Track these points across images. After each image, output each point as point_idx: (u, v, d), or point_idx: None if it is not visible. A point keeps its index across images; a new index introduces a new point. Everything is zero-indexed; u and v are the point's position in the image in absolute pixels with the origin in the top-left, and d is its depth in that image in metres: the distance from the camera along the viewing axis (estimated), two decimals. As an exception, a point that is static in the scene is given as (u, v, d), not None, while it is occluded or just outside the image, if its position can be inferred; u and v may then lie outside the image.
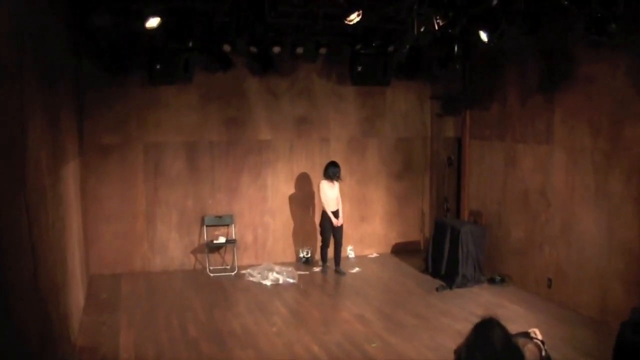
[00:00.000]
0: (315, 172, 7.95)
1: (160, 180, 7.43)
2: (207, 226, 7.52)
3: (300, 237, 8.01)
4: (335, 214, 7.12)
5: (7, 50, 2.72)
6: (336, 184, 7.15)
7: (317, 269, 7.60)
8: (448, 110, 8.12)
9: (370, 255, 8.23)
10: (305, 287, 6.90)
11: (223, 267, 7.59)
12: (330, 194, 7.10)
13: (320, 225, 7.23)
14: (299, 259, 7.91)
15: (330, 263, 7.49)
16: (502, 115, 7.04)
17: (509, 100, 6.93)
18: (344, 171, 7.65)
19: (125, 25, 5.60)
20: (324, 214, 7.12)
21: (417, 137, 8.47)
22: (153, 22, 5.54)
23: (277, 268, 7.21)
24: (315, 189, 7.90)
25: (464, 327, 3.27)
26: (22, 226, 2.86)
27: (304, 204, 8.00)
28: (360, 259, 8.03)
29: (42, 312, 3.32)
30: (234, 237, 7.59)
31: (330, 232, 7.17)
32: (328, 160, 7.59)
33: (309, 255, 7.89)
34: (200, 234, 7.56)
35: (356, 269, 7.57)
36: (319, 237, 7.43)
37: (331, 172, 7.10)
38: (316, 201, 7.62)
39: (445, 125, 8.27)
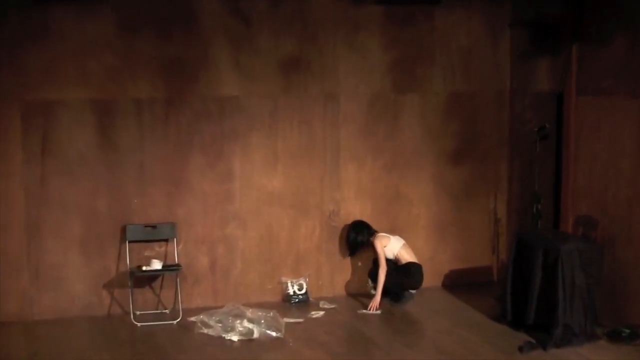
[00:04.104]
0: (316, 152, 7.96)
1: (51, 166, 7.30)
2: (131, 242, 7.46)
3: (290, 260, 8.00)
4: None
5: None
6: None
7: (317, 314, 7.53)
8: (540, 46, 8.05)
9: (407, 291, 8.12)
10: (297, 344, 6.76)
11: (159, 311, 7.59)
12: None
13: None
14: (286, 297, 7.87)
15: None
16: (634, 54, 6.90)
17: (646, 28, 6.85)
18: (362, 148, 7.88)
19: None
20: None
21: (487, 92, 8.44)
22: None
23: (249, 313, 7.08)
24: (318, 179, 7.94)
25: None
26: None
27: (297, 204, 7.98)
28: (391, 297, 8.08)
29: None
30: (176, 260, 7.53)
31: None
32: (335, 131, 7.76)
33: (304, 291, 7.87)
34: (120, 256, 7.49)
35: (378, 311, 7.60)
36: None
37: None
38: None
39: (536, 71, 8.20)
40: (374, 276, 7.77)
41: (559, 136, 7.80)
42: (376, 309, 7.51)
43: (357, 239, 7.82)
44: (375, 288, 7.68)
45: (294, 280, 7.84)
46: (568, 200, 7.66)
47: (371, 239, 7.81)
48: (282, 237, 7.89)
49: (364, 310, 7.50)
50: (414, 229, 8.21)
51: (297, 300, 7.77)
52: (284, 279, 7.85)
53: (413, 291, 7.77)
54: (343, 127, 7.91)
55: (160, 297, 7.61)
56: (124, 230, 7.41)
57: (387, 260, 7.69)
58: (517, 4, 8.20)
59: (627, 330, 6.67)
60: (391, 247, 7.76)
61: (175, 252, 7.51)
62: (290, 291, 7.80)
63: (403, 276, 7.69)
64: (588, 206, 7.46)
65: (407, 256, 7.77)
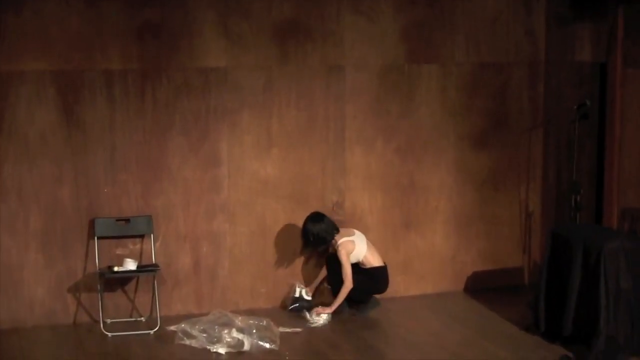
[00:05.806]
0: (317, 133, 7.99)
1: (6, 149, 7.27)
2: (100, 238, 7.45)
3: (286, 260, 8.06)
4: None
5: None
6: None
7: (320, 322, 7.64)
8: (581, 9, 8.20)
9: (423, 294, 8.28)
10: (294, 358, 6.80)
11: (133, 319, 7.63)
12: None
13: None
14: (290, 300, 7.94)
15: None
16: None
17: None
18: (371, 128, 7.93)
19: None
20: None
21: (518, 63, 8.47)
22: None
23: (238, 321, 7.09)
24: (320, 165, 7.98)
25: None
26: None
27: (294, 194, 8.02)
28: (405, 302, 8.11)
29: None
30: (154, 260, 7.53)
31: None
32: (340, 109, 7.85)
33: (308, 295, 7.95)
34: (88, 255, 7.48)
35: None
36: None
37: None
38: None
39: (575, 39, 8.37)
40: (334, 285, 7.83)
41: (602, 115, 7.91)
42: (319, 315, 7.57)
43: (320, 234, 7.61)
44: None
45: (298, 285, 7.89)
46: (612, 190, 7.80)
47: (333, 244, 7.79)
48: (280, 233, 7.92)
49: (310, 319, 7.55)
50: (431, 224, 8.25)
51: (297, 306, 7.76)
52: (287, 281, 7.92)
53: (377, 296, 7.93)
54: (349, 103, 7.90)
55: (135, 302, 7.63)
56: (92, 224, 7.39)
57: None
58: (554, -41, 8.26)
59: (683, 343, 6.76)
60: (357, 252, 7.77)
61: (153, 250, 7.50)
62: (297, 295, 7.83)
63: (369, 280, 7.76)
64: (636, 197, 7.59)
65: (372, 260, 7.78)
